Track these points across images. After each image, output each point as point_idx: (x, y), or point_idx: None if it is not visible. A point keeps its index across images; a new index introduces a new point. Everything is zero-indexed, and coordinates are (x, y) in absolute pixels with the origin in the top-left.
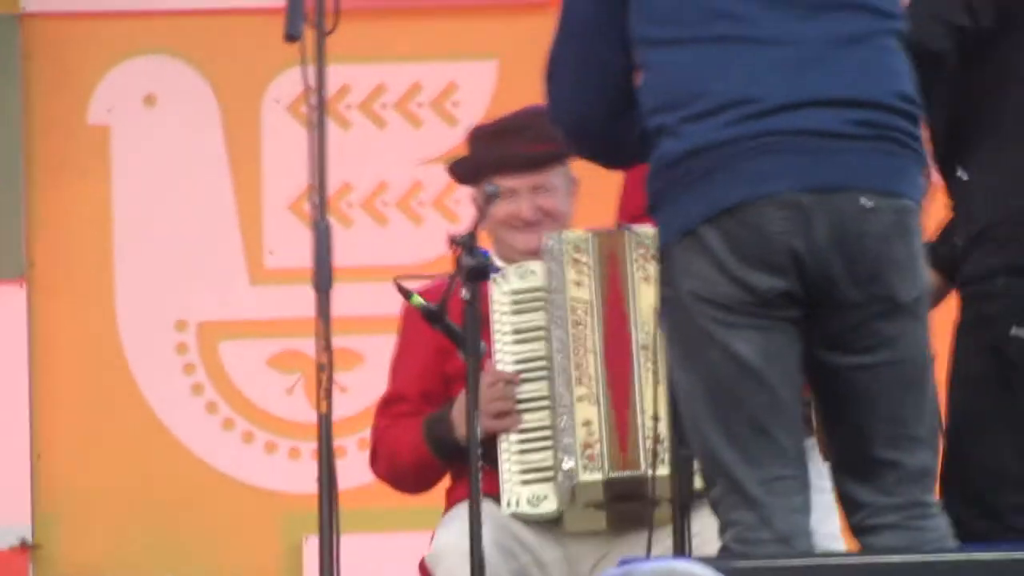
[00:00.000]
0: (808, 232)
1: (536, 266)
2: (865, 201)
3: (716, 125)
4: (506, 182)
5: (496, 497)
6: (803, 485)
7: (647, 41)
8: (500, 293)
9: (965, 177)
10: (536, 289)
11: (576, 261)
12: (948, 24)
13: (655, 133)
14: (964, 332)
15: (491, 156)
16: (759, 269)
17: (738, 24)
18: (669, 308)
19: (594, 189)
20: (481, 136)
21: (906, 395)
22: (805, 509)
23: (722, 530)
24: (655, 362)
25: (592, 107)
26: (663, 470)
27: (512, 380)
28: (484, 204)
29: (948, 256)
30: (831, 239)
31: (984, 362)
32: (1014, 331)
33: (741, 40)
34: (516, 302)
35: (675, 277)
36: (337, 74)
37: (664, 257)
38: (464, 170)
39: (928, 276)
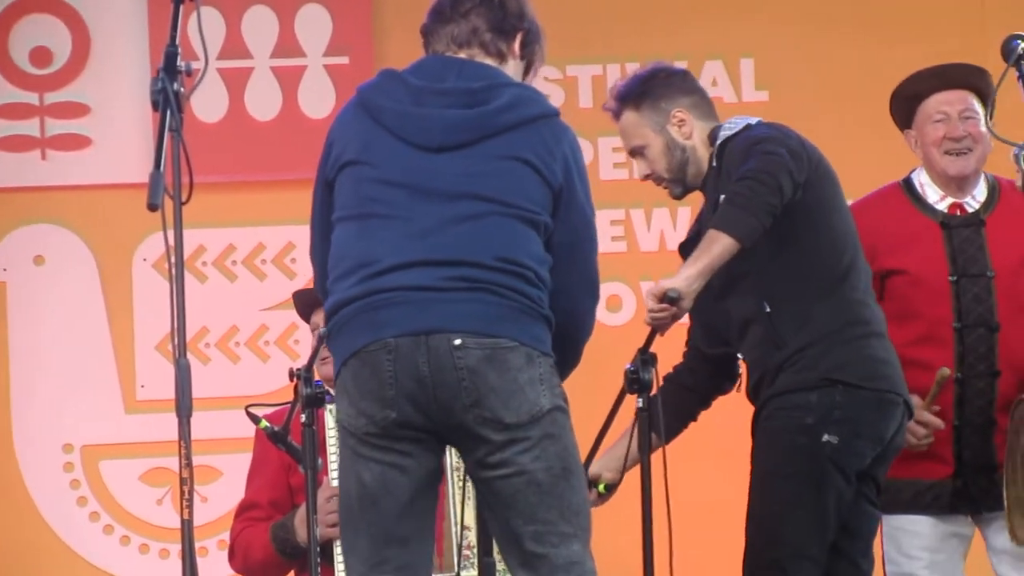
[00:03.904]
0: (413, 369)
1: None
2: (455, 340)
3: (348, 284)
4: None
5: None
6: None
7: (334, 222)
8: (334, 420)
9: (768, 309)
10: None
11: None
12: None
13: (328, 292)
14: (780, 435)
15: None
16: (376, 402)
17: (382, 206)
18: (337, 431)
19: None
20: None
21: (542, 500)
22: None
23: None
24: (464, 480)
25: (322, 279)
26: (472, 572)
27: None
28: (316, 343)
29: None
30: (432, 373)
31: (800, 461)
32: (826, 437)
33: (381, 217)
34: None
35: (336, 408)
36: (194, 236)
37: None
38: (299, 303)
39: (546, 400)
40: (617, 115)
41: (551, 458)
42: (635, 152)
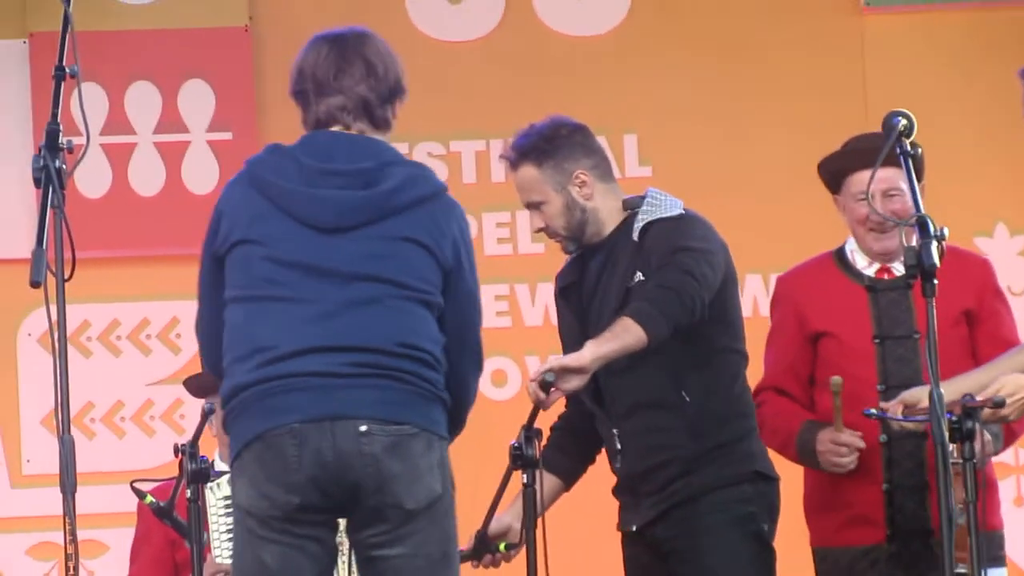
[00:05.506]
0: (318, 455)
1: None
2: (361, 427)
3: (246, 368)
4: None
5: None
6: None
7: (227, 300)
8: (215, 498)
9: (688, 399)
10: None
11: None
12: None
13: (224, 374)
14: (730, 528)
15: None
16: (279, 486)
17: (277, 287)
18: (234, 512)
19: None
20: None
21: None
22: None
23: None
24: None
25: (213, 354)
26: None
27: (228, 572)
28: (201, 419)
29: None
30: (337, 459)
31: (754, 550)
32: (766, 527)
33: (276, 299)
34: (228, 505)
35: (234, 491)
36: (79, 311)
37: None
38: (192, 386)
39: (439, 486)
40: (515, 166)
41: (433, 543)
42: (532, 206)
